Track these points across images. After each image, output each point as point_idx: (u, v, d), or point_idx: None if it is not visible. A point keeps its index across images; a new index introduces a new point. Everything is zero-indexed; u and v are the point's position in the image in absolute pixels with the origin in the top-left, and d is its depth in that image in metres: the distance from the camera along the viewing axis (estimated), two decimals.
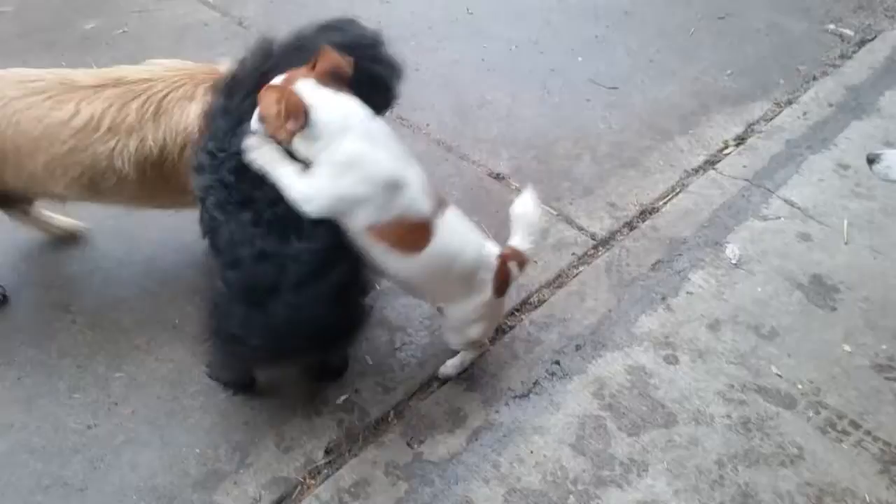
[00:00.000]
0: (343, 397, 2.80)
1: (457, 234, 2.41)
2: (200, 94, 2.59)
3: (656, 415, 2.72)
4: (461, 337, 2.68)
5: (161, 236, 3.33)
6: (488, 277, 2.47)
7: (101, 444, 2.64)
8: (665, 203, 3.67)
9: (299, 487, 2.54)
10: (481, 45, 4.89)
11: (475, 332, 2.62)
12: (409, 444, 2.63)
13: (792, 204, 3.61)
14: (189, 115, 2.57)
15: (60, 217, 3.28)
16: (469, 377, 2.85)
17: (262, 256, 2.16)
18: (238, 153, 2.19)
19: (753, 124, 4.22)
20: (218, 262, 2.28)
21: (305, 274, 2.17)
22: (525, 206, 2.55)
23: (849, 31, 5.01)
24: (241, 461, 2.60)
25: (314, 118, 2.11)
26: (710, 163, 3.94)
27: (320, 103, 2.13)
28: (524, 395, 2.79)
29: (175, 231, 3.27)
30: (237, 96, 2.31)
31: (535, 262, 3.35)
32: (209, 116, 2.37)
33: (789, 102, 4.35)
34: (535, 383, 2.83)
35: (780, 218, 3.54)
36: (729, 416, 2.72)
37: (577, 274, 3.30)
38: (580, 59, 4.79)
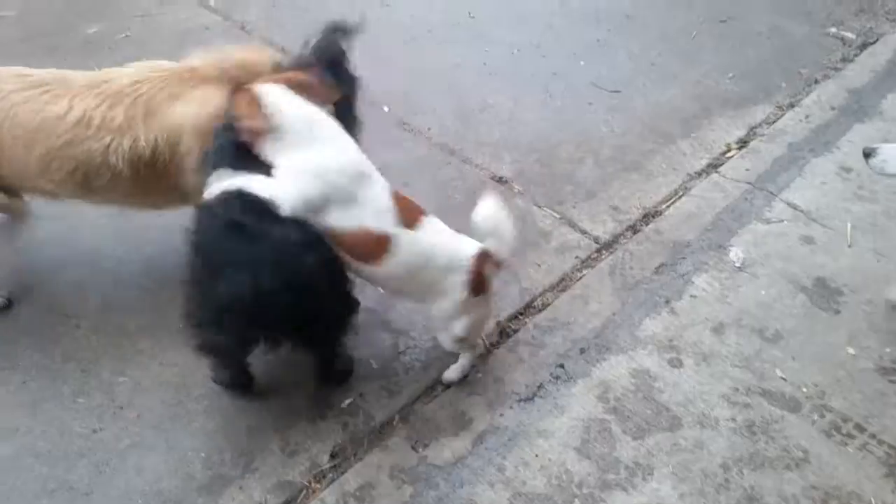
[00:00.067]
0: (348, 401, 2.80)
1: (422, 249, 2.44)
2: (186, 93, 2.65)
3: (661, 418, 2.72)
4: (448, 334, 2.66)
5: (162, 237, 3.33)
6: (461, 280, 2.49)
7: (106, 448, 2.64)
8: (668, 206, 3.67)
9: (304, 491, 2.54)
10: (483, 48, 4.89)
11: (460, 329, 2.61)
12: (413, 448, 2.63)
13: (795, 207, 3.61)
14: (176, 114, 2.62)
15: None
16: (473, 381, 2.85)
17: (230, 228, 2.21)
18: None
19: (755, 127, 4.23)
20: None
21: (268, 251, 2.20)
22: (487, 212, 2.47)
23: (850, 35, 5.02)
24: (246, 465, 2.60)
25: (280, 122, 2.22)
26: (713, 166, 3.94)
27: (287, 109, 2.25)
28: (529, 399, 2.79)
29: (176, 232, 3.25)
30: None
31: (539, 265, 3.37)
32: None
33: (791, 105, 4.36)
34: (540, 387, 2.83)
35: (783, 221, 3.54)
36: (734, 420, 2.72)
37: (580, 277, 3.30)
38: (582, 62, 4.79)
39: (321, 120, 2.35)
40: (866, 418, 2.72)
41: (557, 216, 3.63)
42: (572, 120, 4.29)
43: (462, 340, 2.69)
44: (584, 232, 3.55)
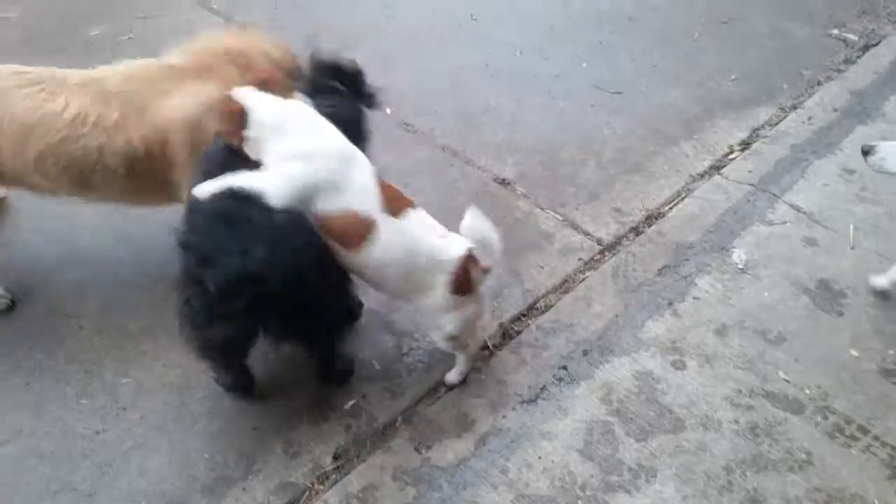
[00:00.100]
0: (351, 402, 2.80)
1: (407, 238, 2.44)
2: (174, 89, 2.69)
3: (664, 420, 2.72)
4: (439, 332, 2.65)
5: (163, 237, 3.29)
6: (443, 278, 2.49)
7: (109, 450, 2.65)
8: (671, 208, 3.67)
9: (307, 493, 2.54)
10: (485, 50, 4.90)
11: (450, 327, 2.60)
12: (416, 450, 2.63)
13: (798, 209, 3.61)
14: (166, 111, 2.66)
15: None
16: (476, 382, 2.85)
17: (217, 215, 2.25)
18: None
19: (758, 129, 4.23)
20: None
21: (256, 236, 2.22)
22: (473, 224, 2.47)
23: (853, 36, 5.02)
24: (249, 467, 2.60)
25: (258, 122, 2.30)
26: (716, 168, 3.94)
27: (261, 109, 2.32)
28: (532, 401, 2.79)
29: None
30: None
31: (542, 267, 3.37)
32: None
33: (794, 107, 4.36)
34: (543, 388, 2.83)
35: (785, 223, 3.54)
36: (737, 422, 2.72)
37: (583, 279, 3.30)
38: (584, 64, 4.80)
39: (295, 112, 2.40)
40: (869, 420, 2.72)
41: (560, 218, 3.63)
42: (575, 122, 4.29)
43: (454, 339, 2.67)
44: (586, 234, 3.55)
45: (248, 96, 2.36)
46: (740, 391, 2.82)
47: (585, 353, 2.96)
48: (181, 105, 2.66)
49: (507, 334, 3.07)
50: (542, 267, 3.36)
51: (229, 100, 2.34)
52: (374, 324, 3.04)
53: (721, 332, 3.04)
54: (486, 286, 2.60)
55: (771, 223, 3.54)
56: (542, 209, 3.68)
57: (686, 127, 4.26)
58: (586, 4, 5.44)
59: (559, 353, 2.97)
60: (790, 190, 3.72)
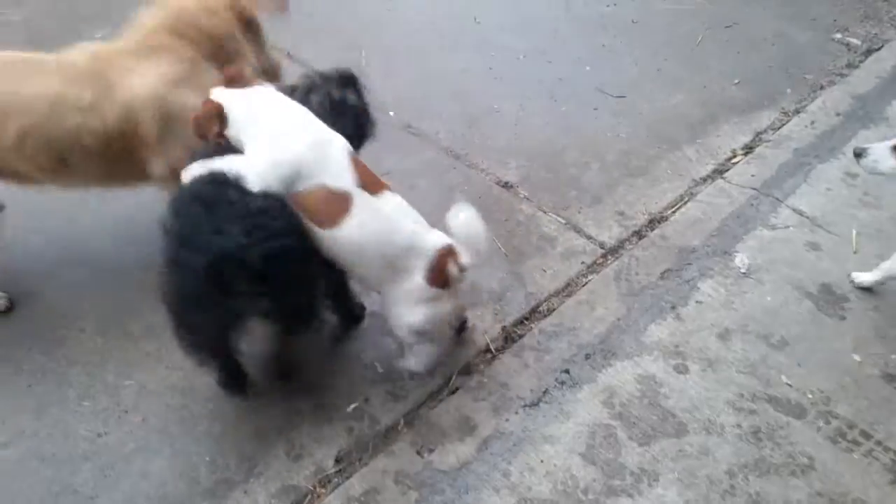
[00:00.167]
0: (353, 405, 2.80)
1: (383, 216, 2.46)
2: (138, 66, 2.74)
3: (667, 424, 2.72)
4: (401, 322, 2.63)
5: None
6: (420, 264, 2.49)
7: (111, 452, 2.64)
8: (673, 212, 3.67)
9: (309, 496, 2.53)
10: (489, 54, 4.90)
11: (414, 318, 2.58)
12: (419, 453, 2.63)
13: (800, 213, 3.61)
14: (132, 88, 2.70)
15: None
16: (479, 385, 2.85)
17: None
18: None
19: (761, 133, 4.23)
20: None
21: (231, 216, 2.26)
22: (460, 220, 2.48)
23: (855, 41, 5.02)
24: (250, 469, 2.60)
25: (231, 116, 2.37)
26: (719, 172, 3.94)
27: (232, 104, 2.38)
28: (534, 404, 2.79)
29: None
30: None
31: (544, 270, 3.37)
32: None
33: (797, 111, 4.36)
34: (545, 392, 2.83)
35: (788, 227, 3.54)
36: (739, 426, 2.71)
37: (586, 283, 3.30)
38: (588, 68, 4.80)
39: (265, 100, 2.44)
40: (872, 425, 2.71)
41: (563, 221, 3.63)
42: (578, 125, 4.29)
43: (420, 334, 2.66)
44: (589, 237, 3.55)
45: (222, 95, 2.41)
46: (743, 395, 2.81)
47: (588, 356, 2.96)
48: (144, 83, 2.72)
49: (509, 338, 3.06)
50: (544, 270, 3.36)
51: (208, 102, 2.40)
52: (376, 326, 3.03)
53: (724, 336, 3.03)
54: (463, 287, 2.60)
55: (774, 227, 3.54)
56: (545, 212, 3.68)
57: (689, 131, 4.26)
58: (590, 8, 5.45)
59: (561, 356, 2.96)
60: (793, 194, 3.72)
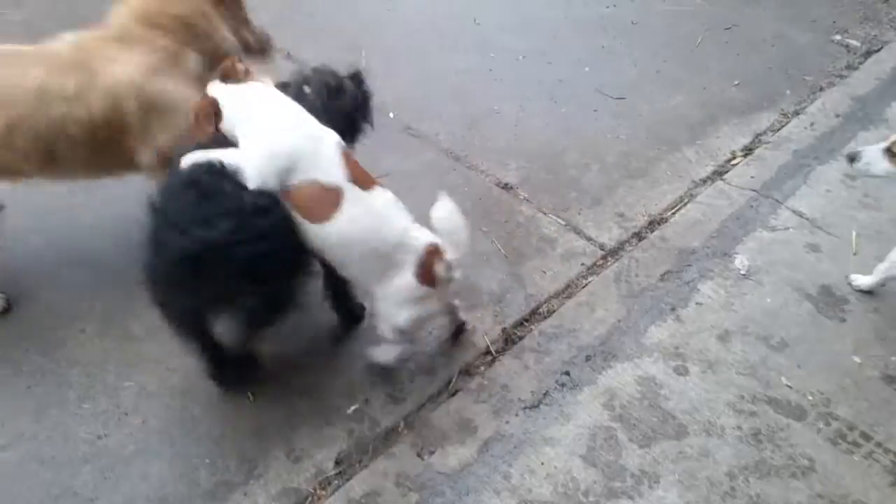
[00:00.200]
0: (353, 407, 2.80)
1: (374, 211, 2.47)
2: (118, 55, 2.76)
3: (667, 426, 2.72)
4: (387, 322, 2.63)
5: None
6: (409, 259, 2.49)
7: (111, 455, 2.64)
8: (673, 213, 3.67)
9: (310, 498, 2.53)
10: (489, 55, 4.90)
11: (401, 319, 2.58)
12: (419, 455, 2.63)
13: (800, 214, 3.61)
14: (113, 77, 2.71)
15: None
16: (479, 387, 2.85)
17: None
18: None
19: (761, 135, 4.23)
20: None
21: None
22: (444, 213, 2.49)
23: (855, 42, 5.03)
24: (250, 472, 2.60)
25: (225, 111, 2.39)
26: (718, 173, 3.94)
27: (226, 99, 2.41)
28: (534, 406, 2.79)
29: None
30: None
31: (544, 272, 3.37)
32: None
33: (796, 113, 4.36)
34: (546, 394, 2.83)
35: (788, 228, 3.54)
36: (739, 428, 2.71)
37: (586, 284, 3.30)
38: (587, 69, 4.80)
39: (258, 95, 2.45)
40: (872, 427, 2.71)
41: (563, 223, 3.63)
42: (578, 126, 4.29)
43: (403, 333, 2.66)
44: (589, 239, 3.55)
45: (216, 90, 2.44)
46: (743, 397, 2.81)
47: (588, 358, 2.96)
48: (125, 71, 2.73)
49: (509, 339, 3.06)
50: (544, 272, 3.36)
51: (203, 97, 2.43)
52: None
53: (724, 337, 3.03)
54: (454, 290, 2.60)
55: (773, 229, 3.54)
56: (545, 214, 3.68)
57: (689, 132, 4.26)
58: (589, 9, 5.45)
59: (562, 358, 2.96)
60: (793, 196, 3.72)
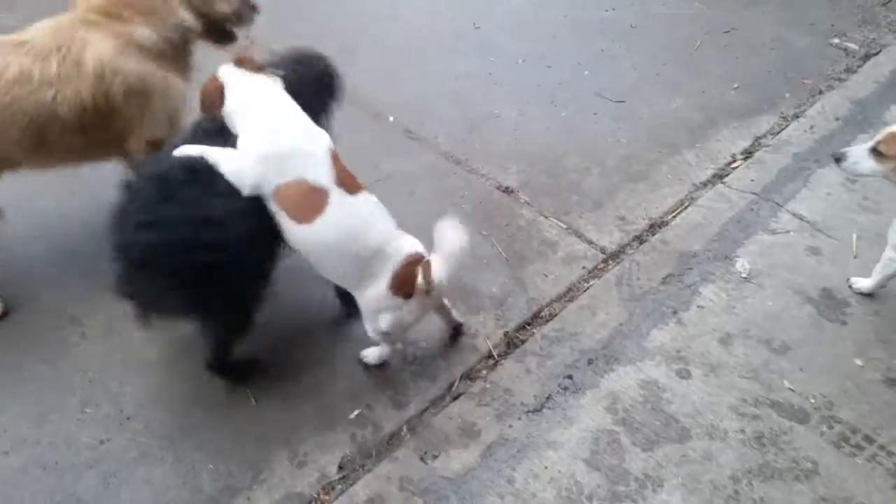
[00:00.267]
0: (356, 412, 2.79)
1: (358, 215, 2.49)
2: (92, 38, 2.77)
3: (670, 429, 2.72)
4: (372, 325, 2.66)
5: None
6: (386, 268, 2.51)
7: (113, 460, 2.64)
8: (674, 217, 3.68)
9: (313, 503, 2.53)
10: (488, 58, 4.90)
11: (384, 323, 2.60)
12: (422, 460, 2.63)
13: (801, 217, 3.61)
14: (93, 59, 2.75)
15: None
16: (482, 392, 2.85)
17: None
18: None
19: (761, 138, 4.23)
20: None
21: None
22: (446, 234, 2.46)
23: (853, 46, 5.03)
24: (254, 476, 2.59)
25: (228, 95, 2.46)
26: (719, 176, 3.95)
27: (233, 84, 2.47)
28: (537, 410, 2.79)
29: None
30: None
31: (546, 275, 3.37)
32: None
33: (796, 116, 4.37)
34: (548, 398, 2.83)
35: (788, 232, 3.54)
36: (742, 431, 2.71)
37: (587, 288, 3.30)
38: (587, 72, 4.80)
39: (262, 89, 2.50)
40: (875, 429, 2.72)
41: (564, 226, 3.63)
42: (578, 130, 4.30)
43: (386, 335, 2.69)
44: (590, 242, 3.55)
45: (226, 74, 2.51)
46: (745, 400, 2.82)
47: (590, 361, 2.96)
48: (103, 51, 2.76)
49: (511, 343, 3.06)
50: (546, 275, 3.37)
51: (213, 78, 2.51)
52: None
53: (725, 341, 3.04)
54: (435, 297, 2.61)
55: (774, 232, 3.54)
56: (546, 217, 3.68)
57: (689, 135, 4.26)
58: (589, 13, 5.45)
59: (564, 362, 2.96)
60: (793, 199, 3.73)
